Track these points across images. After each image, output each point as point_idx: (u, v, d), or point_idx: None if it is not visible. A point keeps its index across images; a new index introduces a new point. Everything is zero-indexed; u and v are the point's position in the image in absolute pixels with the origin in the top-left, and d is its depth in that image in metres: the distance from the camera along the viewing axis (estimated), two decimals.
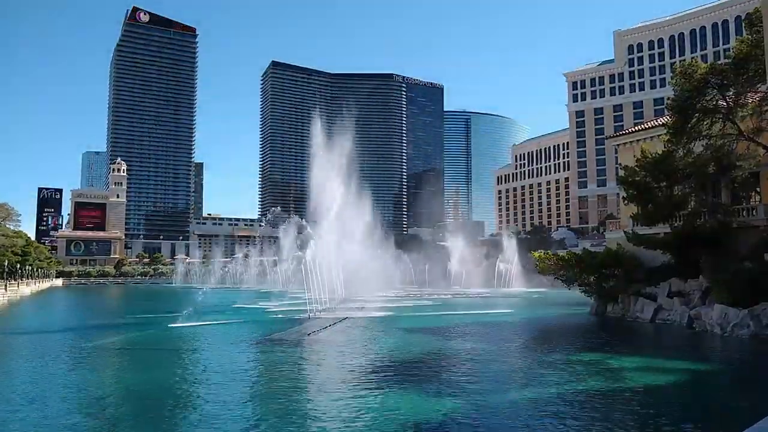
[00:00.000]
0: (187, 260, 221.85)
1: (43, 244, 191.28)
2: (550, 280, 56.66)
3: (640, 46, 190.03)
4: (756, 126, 35.16)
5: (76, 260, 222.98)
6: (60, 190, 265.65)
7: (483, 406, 15.04)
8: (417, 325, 37.00)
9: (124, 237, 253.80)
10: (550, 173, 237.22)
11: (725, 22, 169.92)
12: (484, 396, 16.31)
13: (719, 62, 43.73)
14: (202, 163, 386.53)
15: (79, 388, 18.05)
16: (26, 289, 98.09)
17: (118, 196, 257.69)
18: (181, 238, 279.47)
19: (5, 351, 27.87)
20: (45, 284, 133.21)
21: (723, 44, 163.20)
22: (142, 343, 30.63)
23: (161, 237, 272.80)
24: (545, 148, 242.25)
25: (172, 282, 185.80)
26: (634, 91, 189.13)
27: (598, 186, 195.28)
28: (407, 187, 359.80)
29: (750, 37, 34.25)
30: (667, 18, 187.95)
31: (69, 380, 19.41)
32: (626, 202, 43.80)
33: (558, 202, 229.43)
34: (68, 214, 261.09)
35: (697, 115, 36.11)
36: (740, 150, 36.60)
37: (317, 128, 68.63)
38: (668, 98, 41.32)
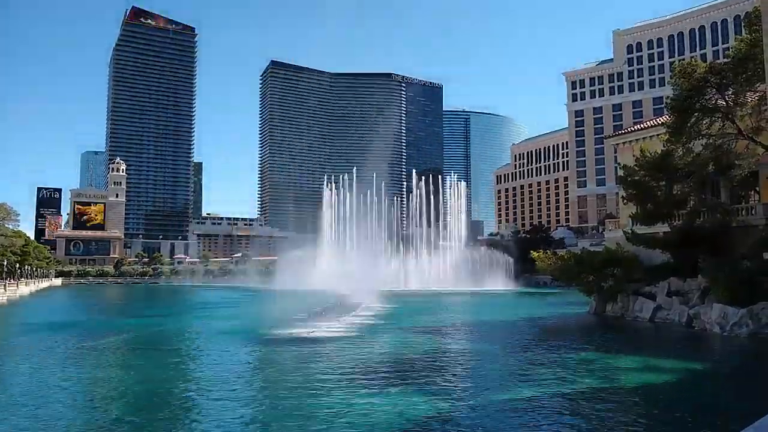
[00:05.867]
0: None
1: (43, 243, 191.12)
2: None
3: (639, 45, 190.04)
4: (755, 125, 35.20)
5: (76, 260, 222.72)
6: (59, 190, 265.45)
7: (482, 406, 15.05)
8: (416, 325, 37.03)
9: (123, 237, 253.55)
10: (549, 173, 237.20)
11: (724, 22, 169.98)
12: (483, 396, 16.33)
13: (718, 61, 43.76)
14: (201, 163, 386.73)
15: (78, 388, 18.05)
16: (25, 288, 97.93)
17: (117, 196, 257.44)
18: (180, 237, 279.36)
19: (5, 350, 27.84)
20: (44, 284, 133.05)
21: (722, 44, 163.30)
22: (142, 342, 30.61)
23: (160, 237, 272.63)
24: (544, 148, 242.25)
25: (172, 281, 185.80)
26: (634, 91, 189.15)
27: (597, 185, 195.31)
28: (406, 186, 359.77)
29: (749, 36, 34.25)
30: (667, 17, 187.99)
31: (69, 380, 19.40)
32: (625, 201, 43.83)
33: (557, 201, 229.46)
34: (67, 214, 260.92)
35: (696, 114, 36.11)
36: (739, 149, 36.61)
37: None
38: (667, 97, 41.34)
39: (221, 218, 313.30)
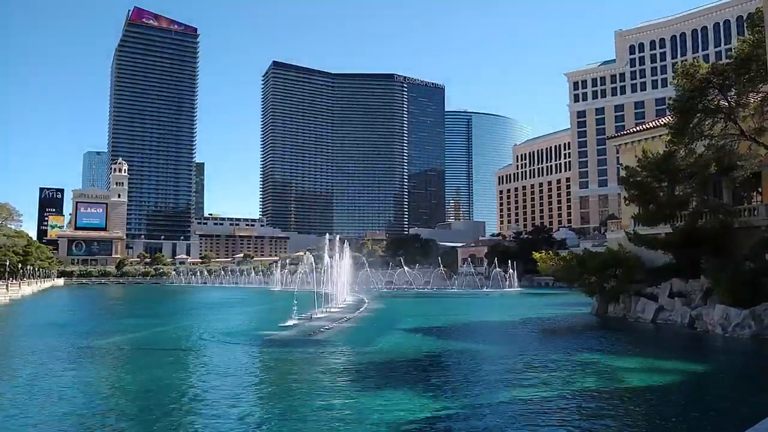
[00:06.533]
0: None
1: (45, 244, 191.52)
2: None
3: (641, 46, 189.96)
4: (757, 126, 35.07)
5: (78, 260, 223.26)
6: (61, 190, 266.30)
7: (481, 407, 15.01)
8: (416, 326, 37.03)
9: (125, 237, 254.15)
10: (551, 173, 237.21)
11: (727, 22, 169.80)
12: (483, 396, 16.29)
13: (721, 62, 43.65)
14: (203, 163, 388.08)
15: (79, 388, 18.04)
16: (28, 288, 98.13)
17: (119, 196, 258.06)
18: (182, 238, 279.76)
19: (7, 350, 27.88)
20: (46, 284, 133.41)
21: (724, 44, 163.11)
22: (143, 343, 30.63)
23: (162, 237, 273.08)
24: (546, 148, 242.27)
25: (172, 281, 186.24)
26: (636, 91, 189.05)
27: (599, 186, 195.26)
28: (408, 187, 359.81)
29: (751, 37, 34.12)
30: (669, 18, 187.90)
31: (69, 380, 19.40)
32: (627, 202, 43.73)
33: (559, 202, 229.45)
34: (69, 214, 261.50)
35: (698, 115, 35.98)
36: (742, 150, 36.49)
37: None
38: (669, 98, 41.23)
39: (223, 218, 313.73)
